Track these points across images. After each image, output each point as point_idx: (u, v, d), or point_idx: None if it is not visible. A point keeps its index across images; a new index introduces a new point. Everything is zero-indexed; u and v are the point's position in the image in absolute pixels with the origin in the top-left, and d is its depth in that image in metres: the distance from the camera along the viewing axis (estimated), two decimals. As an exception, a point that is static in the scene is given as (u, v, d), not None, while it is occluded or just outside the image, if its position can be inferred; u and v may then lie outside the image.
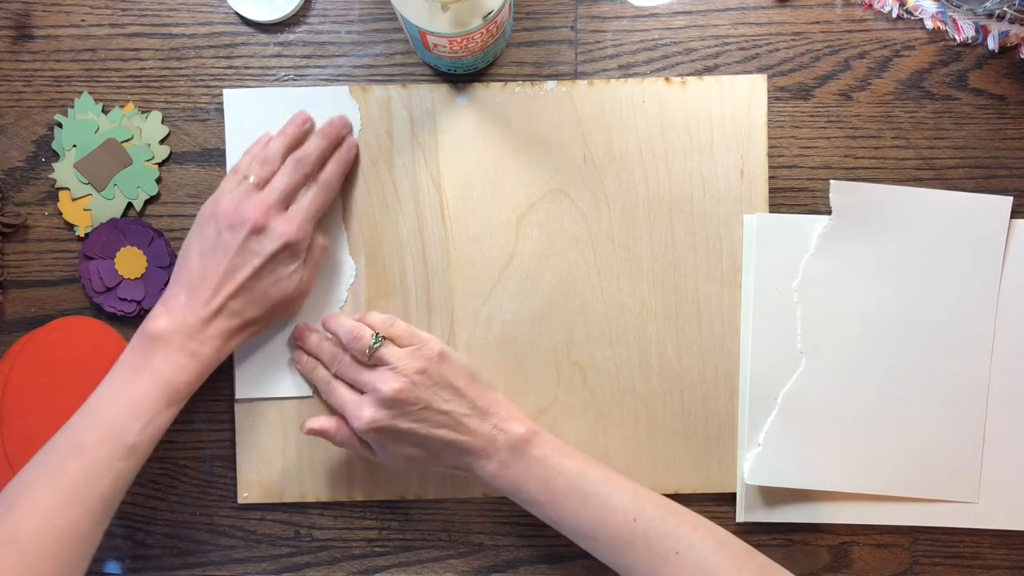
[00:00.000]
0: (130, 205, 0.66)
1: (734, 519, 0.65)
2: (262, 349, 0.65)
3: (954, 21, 0.65)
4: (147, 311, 0.64)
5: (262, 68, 0.66)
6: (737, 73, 0.65)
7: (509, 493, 0.59)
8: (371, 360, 0.59)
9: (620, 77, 0.65)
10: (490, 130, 0.65)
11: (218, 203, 0.59)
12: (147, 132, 0.66)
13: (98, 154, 0.65)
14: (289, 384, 0.65)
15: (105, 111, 0.66)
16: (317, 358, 0.63)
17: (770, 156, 0.65)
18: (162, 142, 0.66)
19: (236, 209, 0.58)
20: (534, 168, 0.65)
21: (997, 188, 0.65)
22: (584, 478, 0.58)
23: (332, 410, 0.63)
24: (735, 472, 0.65)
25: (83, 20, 0.66)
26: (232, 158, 0.65)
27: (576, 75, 0.66)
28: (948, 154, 0.65)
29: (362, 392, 0.59)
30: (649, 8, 0.66)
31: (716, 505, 0.65)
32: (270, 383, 0.65)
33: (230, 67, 0.66)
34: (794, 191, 0.65)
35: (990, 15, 0.64)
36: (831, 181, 0.64)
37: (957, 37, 0.65)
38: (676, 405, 0.65)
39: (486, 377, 0.61)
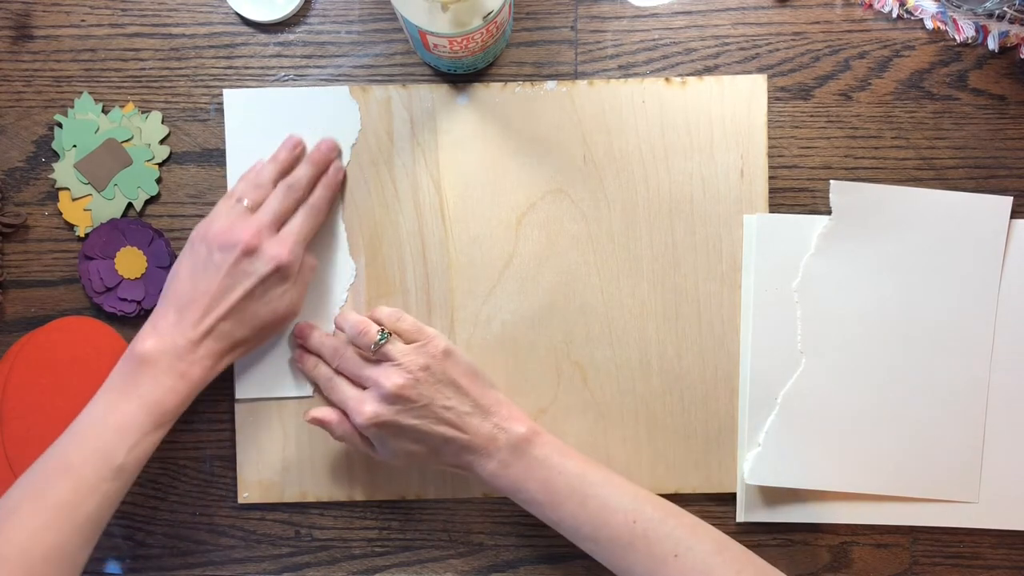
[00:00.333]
0: (130, 205, 0.66)
1: (734, 519, 0.65)
2: (262, 349, 0.65)
3: (954, 21, 0.65)
4: (147, 311, 0.64)
5: (262, 68, 0.66)
6: (737, 73, 0.65)
7: (509, 493, 0.59)
8: (376, 355, 0.59)
9: (620, 77, 0.65)
10: (490, 130, 0.65)
11: (211, 225, 0.59)
12: (147, 132, 0.66)
13: (98, 154, 0.65)
14: (289, 384, 0.65)
15: (105, 111, 0.66)
16: (319, 355, 0.63)
17: (770, 156, 0.65)
18: (162, 142, 0.66)
19: (229, 230, 0.58)
20: (534, 168, 0.65)
21: (997, 188, 0.65)
22: (584, 479, 0.58)
23: (334, 407, 0.63)
24: (735, 472, 0.65)
25: (83, 20, 0.66)
26: (232, 158, 0.65)
27: (576, 75, 0.66)
28: (948, 154, 0.65)
29: (364, 388, 0.60)
30: (649, 8, 0.65)
31: (716, 505, 0.65)
32: (270, 383, 0.65)
33: (230, 67, 0.66)
34: (794, 191, 0.65)
35: (990, 15, 0.64)
36: (831, 181, 0.64)
37: (957, 37, 0.65)
38: (676, 405, 0.65)
39: (489, 376, 0.61)
